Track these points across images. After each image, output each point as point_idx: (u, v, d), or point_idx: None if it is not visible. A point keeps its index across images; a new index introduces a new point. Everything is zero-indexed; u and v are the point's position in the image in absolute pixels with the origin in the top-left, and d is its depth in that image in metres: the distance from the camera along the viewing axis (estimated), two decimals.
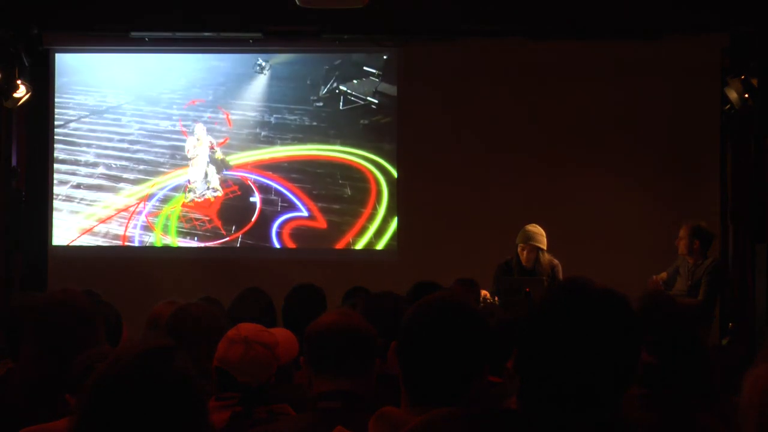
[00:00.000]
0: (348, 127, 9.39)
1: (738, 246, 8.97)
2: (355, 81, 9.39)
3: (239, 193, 9.39)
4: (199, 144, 9.42)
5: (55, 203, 9.42)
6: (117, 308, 4.19)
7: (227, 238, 9.35)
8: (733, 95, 8.66)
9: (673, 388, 2.68)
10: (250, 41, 9.25)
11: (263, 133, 9.43)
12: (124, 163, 9.50)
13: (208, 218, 9.38)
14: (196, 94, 9.46)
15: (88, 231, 9.42)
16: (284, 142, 9.42)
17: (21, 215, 9.43)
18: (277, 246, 9.34)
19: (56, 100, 9.49)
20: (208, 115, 9.45)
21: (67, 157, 9.49)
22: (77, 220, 9.44)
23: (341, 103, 9.38)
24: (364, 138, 9.37)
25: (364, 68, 9.39)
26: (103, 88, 9.54)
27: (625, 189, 9.01)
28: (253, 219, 9.36)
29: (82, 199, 9.47)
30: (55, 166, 9.45)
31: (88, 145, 9.53)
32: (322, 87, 9.40)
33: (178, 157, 9.45)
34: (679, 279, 7.44)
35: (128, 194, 9.46)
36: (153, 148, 9.48)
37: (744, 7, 8.58)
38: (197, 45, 9.36)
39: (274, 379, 3.07)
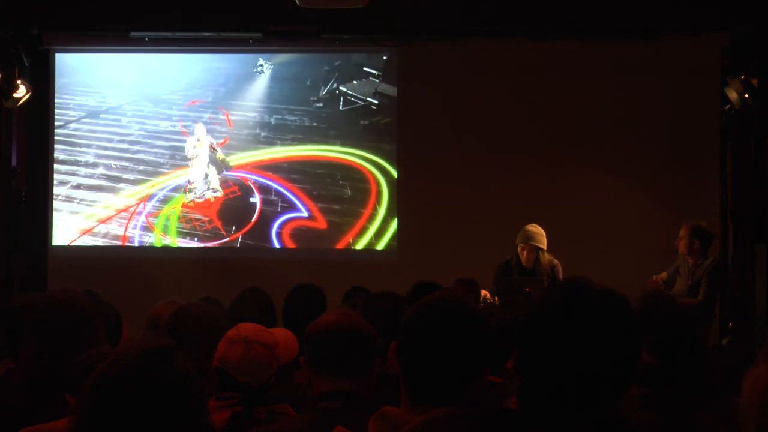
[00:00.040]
0: (348, 127, 9.39)
1: (738, 246, 8.97)
2: (355, 82, 9.39)
3: (239, 193, 9.39)
4: (199, 144, 9.42)
5: (55, 203, 9.43)
6: (117, 308, 4.19)
7: (227, 239, 9.35)
8: (733, 95, 8.66)
9: (673, 388, 2.68)
10: (250, 41, 9.25)
11: (263, 134, 9.43)
12: (124, 163, 9.50)
13: (208, 219, 9.38)
14: (197, 94, 9.46)
15: (88, 231, 9.42)
16: (284, 142, 9.42)
17: (21, 215, 9.43)
18: (278, 246, 9.34)
19: (56, 101, 9.49)
20: (208, 115, 9.45)
21: (67, 157, 9.50)
22: (77, 221, 9.44)
23: (341, 104, 9.38)
24: (364, 138, 9.37)
25: (364, 69, 9.39)
26: (103, 89, 9.54)
27: (625, 189, 9.01)
28: (253, 219, 9.36)
29: (82, 200, 9.47)
30: (55, 166, 9.45)
31: (88, 146, 9.53)
32: (322, 88, 9.40)
33: (178, 158, 9.45)
34: (679, 279, 7.44)
35: (128, 195, 9.46)
36: (153, 149, 9.48)
37: (744, 7, 8.58)
38: (197, 45, 9.37)
39: (274, 379, 3.07)
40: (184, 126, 9.45)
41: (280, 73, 9.43)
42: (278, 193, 9.38)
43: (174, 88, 9.48)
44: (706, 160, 9.04)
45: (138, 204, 9.44)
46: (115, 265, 9.15)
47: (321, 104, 9.39)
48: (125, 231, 9.41)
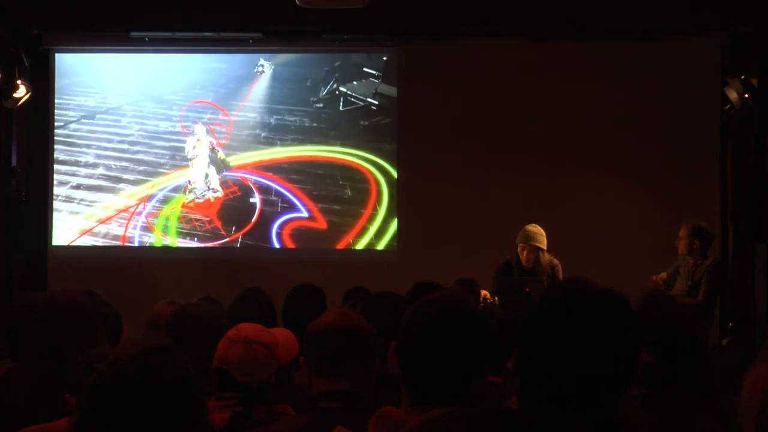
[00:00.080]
0: (348, 128, 9.39)
1: (738, 246, 8.97)
2: (355, 82, 9.39)
3: (239, 193, 9.39)
4: (199, 145, 9.42)
5: (55, 204, 9.42)
6: (117, 308, 4.19)
7: (227, 239, 9.35)
8: (733, 95, 8.66)
9: (673, 388, 2.68)
10: (250, 41, 9.25)
11: (263, 134, 9.43)
12: (124, 164, 9.50)
13: (208, 219, 9.38)
14: (197, 95, 9.46)
15: (88, 232, 9.42)
16: (284, 143, 9.42)
17: (21, 215, 9.43)
18: (278, 247, 9.34)
19: (56, 101, 9.49)
20: (209, 116, 9.45)
21: (67, 158, 9.50)
22: (77, 221, 9.44)
23: (341, 105, 9.38)
24: (364, 139, 9.37)
25: (364, 70, 9.39)
26: (103, 90, 9.54)
27: (625, 189, 9.01)
28: (253, 220, 9.36)
29: (82, 200, 9.47)
30: (55, 166, 9.45)
31: (88, 146, 9.53)
32: (322, 88, 9.40)
33: (178, 158, 9.45)
34: (679, 279, 7.44)
35: (128, 195, 9.46)
36: (153, 149, 9.48)
37: (744, 7, 8.58)
38: (197, 45, 9.37)
39: (274, 379, 3.07)
40: (184, 126, 9.45)
41: (280, 73, 9.43)
42: (278, 194, 9.38)
43: (174, 88, 9.48)
44: (706, 160, 9.04)
45: (138, 204, 9.44)
46: (115, 265, 9.15)
47: (321, 105, 9.40)
48: (125, 231, 9.41)
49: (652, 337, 2.67)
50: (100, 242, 9.41)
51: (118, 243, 9.41)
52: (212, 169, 9.41)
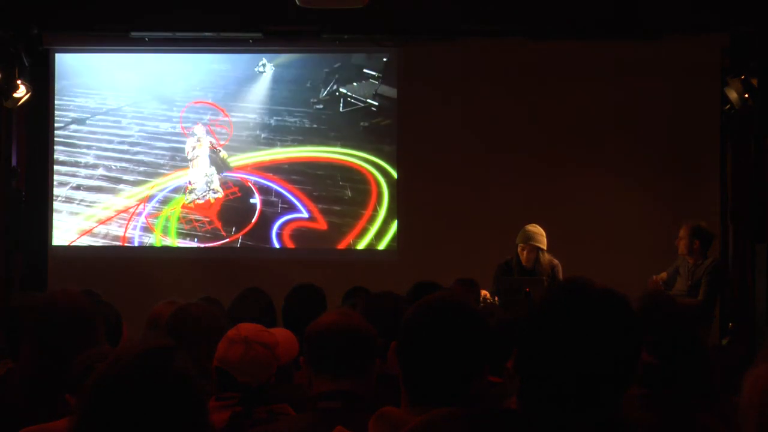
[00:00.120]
0: (348, 129, 9.39)
1: (738, 246, 8.97)
2: (355, 83, 9.39)
3: (239, 194, 9.39)
4: (199, 145, 9.42)
5: (55, 204, 9.42)
6: (117, 308, 4.19)
7: (227, 240, 9.35)
8: (733, 95, 8.66)
9: (673, 388, 2.68)
10: (250, 41, 9.25)
11: (263, 135, 9.43)
12: (124, 164, 9.50)
13: (208, 219, 9.38)
14: (197, 95, 9.46)
15: (88, 232, 9.42)
16: (284, 144, 9.42)
17: (21, 215, 9.43)
18: (278, 247, 9.34)
19: (56, 102, 9.49)
20: (209, 116, 9.45)
21: (67, 158, 9.49)
22: (77, 222, 9.44)
23: (341, 106, 9.38)
24: (364, 140, 9.37)
25: (364, 71, 9.39)
26: (103, 90, 9.54)
27: (625, 189, 9.01)
28: (254, 220, 9.36)
29: (82, 201, 9.47)
30: (55, 167, 9.45)
31: (88, 147, 9.53)
32: (322, 89, 9.40)
33: (178, 159, 9.45)
34: (679, 279, 7.44)
35: (128, 195, 9.46)
36: (153, 150, 9.48)
37: (744, 7, 8.58)
38: (197, 45, 9.36)
39: (274, 379, 3.07)
40: (185, 127, 9.45)
41: (280, 74, 9.43)
42: (278, 194, 9.38)
43: (174, 89, 9.48)
44: (706, 160, 9.04)
45: (138, 205, 9.43)
46: (115, 266, 9.15)
47: (321, 106, 9.40)
48: (125, 232, 9.41)
49: (652, 337, 2.67)
50: (100, 243, 9.41)
51: (118, 243, 9.41)
52: (212, 170, 9.41)
